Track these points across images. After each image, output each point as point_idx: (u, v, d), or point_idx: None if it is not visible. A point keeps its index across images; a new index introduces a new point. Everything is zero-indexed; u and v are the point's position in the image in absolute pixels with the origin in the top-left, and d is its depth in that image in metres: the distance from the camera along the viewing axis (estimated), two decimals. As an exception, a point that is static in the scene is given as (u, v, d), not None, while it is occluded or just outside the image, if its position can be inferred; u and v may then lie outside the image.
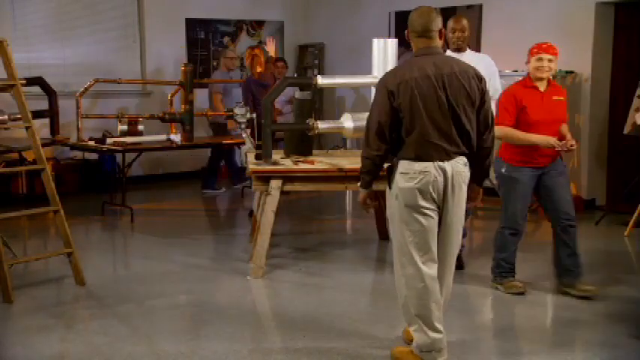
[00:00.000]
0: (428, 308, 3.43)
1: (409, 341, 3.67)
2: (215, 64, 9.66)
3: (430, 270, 3.44)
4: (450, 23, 5.20)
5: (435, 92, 3.34)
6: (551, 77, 4.67)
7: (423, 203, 3.38)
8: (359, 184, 3.61)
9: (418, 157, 3.37)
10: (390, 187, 3.51)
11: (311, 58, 10.38)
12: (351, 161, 5.31)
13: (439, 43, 3.49)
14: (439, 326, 3.46)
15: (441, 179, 3.38)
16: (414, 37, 3.48)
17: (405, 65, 3.43)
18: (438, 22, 3.45)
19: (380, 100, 3.40)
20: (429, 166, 3.36)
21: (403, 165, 3.41)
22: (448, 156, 3.39)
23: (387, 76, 3.47)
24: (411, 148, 3.37)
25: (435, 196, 3.39)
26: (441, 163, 3.38)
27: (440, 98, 3.34)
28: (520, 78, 7.16)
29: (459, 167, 3.44)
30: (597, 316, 4.35)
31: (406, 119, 3.35)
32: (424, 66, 3.37)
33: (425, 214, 3.40)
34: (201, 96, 8.39)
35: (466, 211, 3.60)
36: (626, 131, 6.73)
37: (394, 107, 3.35)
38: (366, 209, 3.72)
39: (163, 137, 7.49)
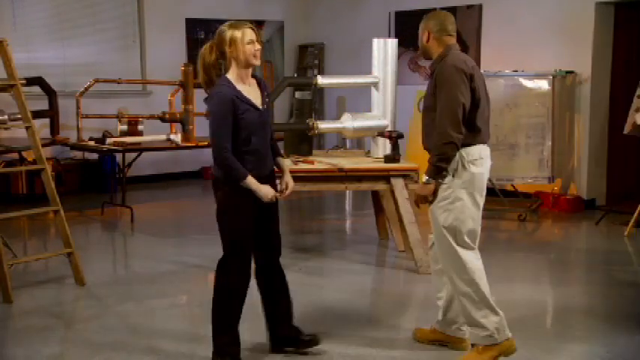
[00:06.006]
0: (487, 289, 3.46)
1: (439, 342, 3.73)
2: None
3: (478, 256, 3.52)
4: None
5: (483, 82, 3.51)
6: None
7: (485, 187, 3.52)
8: (426, 178, 3.44)
9: (482, 142, 3.47)
10: (452, 177, 3.42)
11: (311, 58, 10.38)
12: (351, 161, 5.31)
13: None
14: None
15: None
16: (444, 35, 3.52)
17: (460, 55, 3.49)
18: None
19: (459, 83, 3.35)
20: (487, 150, 3.51)
21: (472, 150, 3.43)
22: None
23: (457, 62, 3.41)
24: (479, 134, 3.45)
25: None
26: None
27: (485, 87, 3.52)
28: (521, 78, 7.25)
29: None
30: (597, 315, 4.36)
31: (480, 103, 3.44)
32: (469, 58, 3.54)
33: (482, 198, 3.51)
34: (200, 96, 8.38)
35: None
36: (626, 131, 6.73)
37: (472, 89, 3.40)
38: (427, 204, 3.52)
39: (163, 137, 7.49)
